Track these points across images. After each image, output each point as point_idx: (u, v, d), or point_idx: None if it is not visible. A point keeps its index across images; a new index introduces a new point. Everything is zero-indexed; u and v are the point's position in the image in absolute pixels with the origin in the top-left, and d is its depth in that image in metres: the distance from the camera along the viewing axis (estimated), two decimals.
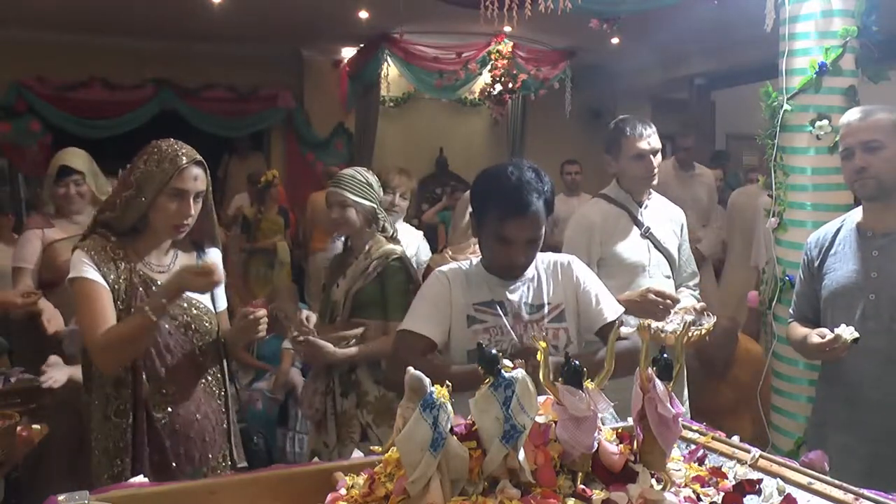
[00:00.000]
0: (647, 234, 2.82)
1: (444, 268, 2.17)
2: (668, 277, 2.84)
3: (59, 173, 3.30)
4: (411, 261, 2.88)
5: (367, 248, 2.76)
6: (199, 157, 2.13)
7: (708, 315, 2.60)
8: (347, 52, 8.03)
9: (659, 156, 2.81)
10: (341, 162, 8.14)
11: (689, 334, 2.29)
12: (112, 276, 2.06)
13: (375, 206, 2.78)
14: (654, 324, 2.29)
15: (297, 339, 2.66)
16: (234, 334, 2.28)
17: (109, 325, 2.01)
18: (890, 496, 1.26)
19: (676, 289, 2.87)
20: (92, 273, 2.03)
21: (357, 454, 1.46)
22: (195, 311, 2.18)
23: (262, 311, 2.18)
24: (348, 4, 6.17)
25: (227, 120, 7.95)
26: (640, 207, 2.85)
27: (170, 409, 2.12)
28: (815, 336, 2.20)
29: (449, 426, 1.13)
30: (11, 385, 2.88)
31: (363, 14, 6.41)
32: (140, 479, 1.38)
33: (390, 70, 7.34)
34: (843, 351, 2.13)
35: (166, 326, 2.11)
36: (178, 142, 2.14)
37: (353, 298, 2.72)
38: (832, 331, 2.15)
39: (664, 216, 2.90)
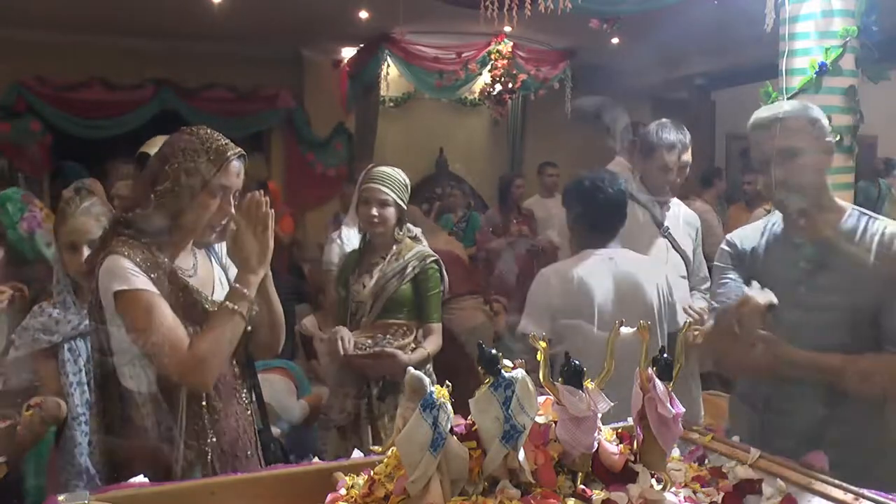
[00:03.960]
0: (665, 234, 2.87)
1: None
2: (683, 278, 2.89)
3: (138, 160, 2.93)
4: None
5: (394, 248, 2.76)
6: (240, 149, 1.88)
7: None
8: (347, 52, 8.01)
9: (687, 168, 2.87)
10: (341, 162, 8.14)
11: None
12: (157, 285, 1.78)
13: (405, 207, 2.82)
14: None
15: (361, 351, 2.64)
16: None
17: (185, 336, 1.75)
18: (890, 496, 1.26)
19: (690, 292, 2.92)
20: (143, 281, 1.74)
21: (357, 454, 1.46)
22: None
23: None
24: (348, 4, 6.16)
25: (226, 120, 7.90)
26: (661, 207, 2.90)
27: (214, 428, 1.87)
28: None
29: (449, 426, 1.13)
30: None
31: (363, 14, 6.40)
32: (140, 479, 1.38)
33: (390, 70, 7.32)
34: (757, 317, 1.79)
35: None
36: (213, 131, 1.89)
37: (386, 299, 2.71)
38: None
39: (681, 219, 2.98)
